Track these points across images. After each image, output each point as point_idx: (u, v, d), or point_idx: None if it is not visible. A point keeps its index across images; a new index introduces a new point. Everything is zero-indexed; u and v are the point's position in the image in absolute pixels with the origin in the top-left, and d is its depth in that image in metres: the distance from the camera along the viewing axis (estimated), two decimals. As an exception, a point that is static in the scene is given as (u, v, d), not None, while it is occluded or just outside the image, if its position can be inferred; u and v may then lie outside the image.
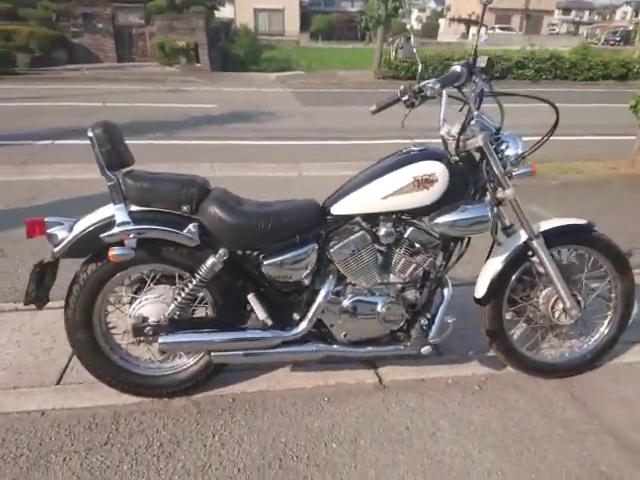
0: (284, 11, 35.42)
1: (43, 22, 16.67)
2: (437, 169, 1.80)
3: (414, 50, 1.89)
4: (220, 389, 2.07)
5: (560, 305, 2.07)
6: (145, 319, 1.86)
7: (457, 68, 1.79)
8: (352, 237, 1.85)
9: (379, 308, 1.91)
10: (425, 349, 2.00)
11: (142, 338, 1.86)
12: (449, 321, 1.96)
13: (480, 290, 2.04)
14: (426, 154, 1.84)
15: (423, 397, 2.09)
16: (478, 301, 2.06)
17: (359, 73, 16.06)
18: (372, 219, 1.90)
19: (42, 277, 1.81)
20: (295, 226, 1.83)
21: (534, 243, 1.97)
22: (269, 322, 1.88)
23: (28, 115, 8.36)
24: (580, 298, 2.10)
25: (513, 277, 2.06)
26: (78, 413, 1.93)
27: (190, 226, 1.75)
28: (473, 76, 1.81)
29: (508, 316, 2.14)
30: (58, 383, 2.08)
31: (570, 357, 2.24)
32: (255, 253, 1.85)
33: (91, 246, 1.78)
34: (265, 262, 1.83)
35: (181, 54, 16.71)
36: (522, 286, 2.14)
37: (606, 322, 2.23)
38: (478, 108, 1.83)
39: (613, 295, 2.18)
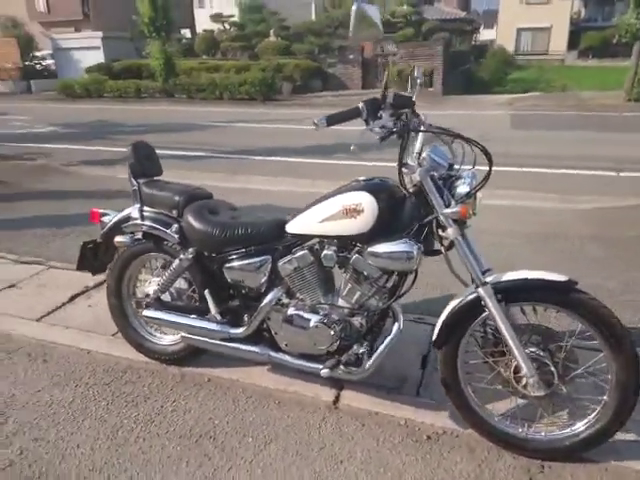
0: (551, 29, 33.00)
1: (307, 55, 19.57)
2: (364, 200, 1.81)
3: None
4: (204, 369, 2.44)
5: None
6: (147, 296, 2.37)
7: (359, 104, 1.77)
8: (296, 255, 2.00)
9: (309, 325, 2.00)
10: (358, 377, 1.99)
11: (139, 310, 2.38)
12: None
13: (434, 332, 1.91)
14: (363, 185, 1.87)
15: (362, 428, 2.06)
16: (434, 344, 1.93)
17: (608, 94, 14.07)
18: (322, 241, 2.00)
19: (95, 252, 2.49)
20: (252, 238, 2.08)
21: (481, 290, 1.77)
22: (218, 317, 2.17)
23: (267, 135, 10.10)
24: (553, 368, 1.76)
25: (471, 326, 1.87)
26: (107, 358, 2.57)
27: (173, 227, 2.19)
28: (380, 111, 1.75)
29: (467, 369, 1.93)
30: (113, 335, 2.76)
31: (546, 438, 1.86)
32: (219, 256, 2.16)
33: (117, 234, 2.37)
34: (225, 265, 2.14)
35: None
36: (493, 340, 1.90)
37: (598, 408, 1.78)
38: (403, 143, 1.78)
39: (609, 377, 1.74)
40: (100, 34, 22.68)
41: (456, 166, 1.84)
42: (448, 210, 1.74)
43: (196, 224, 2.11)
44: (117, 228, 2.35)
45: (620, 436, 1.89)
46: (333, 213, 1.87)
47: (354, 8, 1.64)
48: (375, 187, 1.86)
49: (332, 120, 1.72)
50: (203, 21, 29.55)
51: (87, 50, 22.05)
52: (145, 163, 2.34)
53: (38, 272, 3.58)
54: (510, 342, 1.76)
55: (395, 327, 1.96)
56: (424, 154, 1.81)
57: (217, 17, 24.89)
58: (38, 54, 24.17)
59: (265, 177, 6.41)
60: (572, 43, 33.34)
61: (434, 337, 1.90)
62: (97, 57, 21.98)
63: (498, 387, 1.90)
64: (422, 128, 1.81)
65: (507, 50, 27.01)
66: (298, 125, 10.96)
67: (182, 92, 16.85)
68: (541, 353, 1.79)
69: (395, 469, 1.86)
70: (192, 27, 31.67)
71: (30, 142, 9.47)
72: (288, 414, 2.15)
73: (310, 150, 8.06)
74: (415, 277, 1.93)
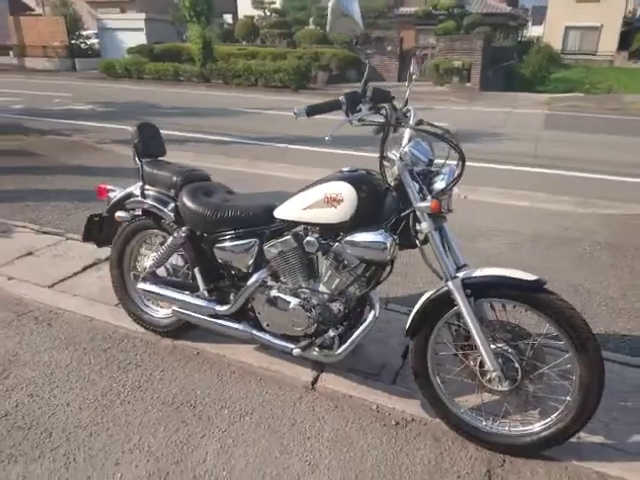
0: (601, 29, 31.74)
1: (344, 45, 19.47)
2: (344, 190, 1.87)
3: None
4: (195, 343, 2.55)
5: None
6: (144, 269, 2.50)
7: (340, 97, 1.81)
8: (280, 240, 2.08)
9: (289, 307, 2.08)
10: (330, 360, 2.07)
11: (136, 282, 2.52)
12: None
13: (407, 322, 1.96)
14: (345, 175, 1.93)
15: (334, 409, 2.14)
16: (406, 333, 1.99)
17: (654, 99, 13.54)
18: (307, 228, 2.07)
19: (101, 225, 2.62)
20: (241, 221, 2.16)
21: (450, 284, 1.81)
22: (206, 294, 2.28)
23: (294, 124, 10.17)
24: (517, 365, 1.79)
25: (442, 318, 1.91)
26: (107, 326, 2.72)
27: (170, 205, 2.30)
28: (360, 105, 1.79)
29: (438, 360, 1.98)
30: (116, 305, 2.91)
31: (508, 432, 1.90)
32: (211, 236, 2.26)
33: (121, 209, 2.50)
34: (216, 245, 2.23)
35: (454, 74, 17.14)
36: (463, 334, 1.94)
37: (561, 408, 1.81)
38: (383, 137, 1.83)
39: (573, 377, 1.76)
40: (143, 16, 23.14)
41: (441, 161, 1.88)
42: (421, 204, 1.78)
43: (190, 204, 2.22)
44: (121, 204, 2.48)
45: (585, 437, 1.92)
46: (315, 201, 1.94)
47: (330, 4, 1.68)
48: (356, 178, 1.91)
49: (312, 110, 1.78)
50: (245, 7, 29.71)
51: (130, 31, 22.51)
52: (149, 143, 2.45)
53: (56, 242, 3.78)
54: (475, 336, 1.80)
55: (370, 315, 2.02)
56: (406, 149, 1.86)
57: (258, 3, 24.99)
58: (84, 33, 24.82)
59: (287, 165, 6.50)
60: (623, 44, 32.03)
61: (406, 326, 1.95)
62: (139, 38, 22.43)
63: (466, 380, 1.94)
64: (403, 123, 1.85)
65: (553, 48, 26.15)
66: (326, 115, 10.96)
67: (218, 77, 17.07)
68: (508, 349, 1.82)
69: (359, 449, 1.94)
70: (234, 12, 31.91)
71: (68, 119, 9.82)
72: (267, 390, 2.25)
73: (335, 140, 8.08)
74: (391, 268, 1.99)
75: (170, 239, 2.32)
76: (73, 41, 23.63)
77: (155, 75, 18.17)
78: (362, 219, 1.89)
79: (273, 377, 2.33)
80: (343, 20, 1.64)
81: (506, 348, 1.82)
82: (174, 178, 2.31)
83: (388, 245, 1.84)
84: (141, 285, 2.45)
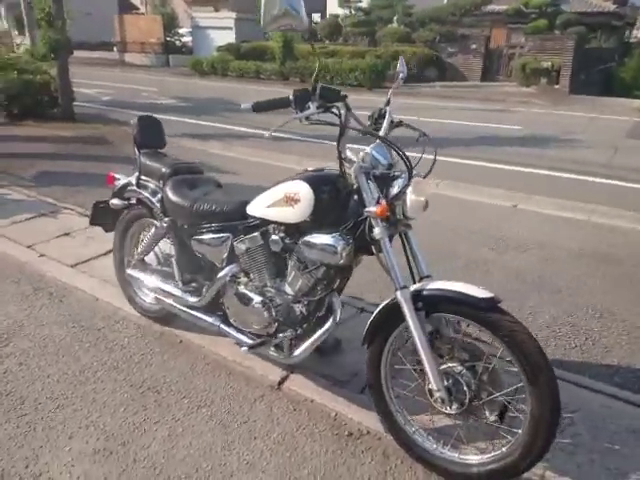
0: None
1: (427, 43, 19.02)
2: (302, 190, 1.83)
3: None
4: (181, 331, 2.61)
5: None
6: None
7: (290, 94, 1.73)
8: (247, 236, 2.08)
9: (250, 304, 2.07)
10: (285, 361, 2.03)
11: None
12: None
13: (364, 330, 1.88)
14: (306, 175, 1.88)
15: (292, 412, 2.10)
16: (362, 342, 1.91)
17: None
18: (274, 226, 2.05)
19: (107, 211, 2.76)
20: (216, 215, 2.18)
21: (398, 294, 1.70)
22: (180, 284, 2.33)
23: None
24: (465, 388, 1.66)
25: (397, 329, 1.81)
26: (108, 307, 2.86)
27: (158, 196, 2.37)
28: (309, 102, 1.71)
29: (393, 373, 1.88)
30: (124, 288, 3.05)
31: (458, 459, 1.75)
32: (190, 228, 2.30)
33: (120, 198, 2.62)
34: (193, 237, 2.27)
35: (542, 75, 16.14)
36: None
37: (512, 440, 1.64)
38: (339, 138, 1.75)
39: (525, 407, 1.60)
40: (234, 15, 24.03)
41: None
42: (369, 208, 1.70)
43: (171, 195, 2.28)
44: (121, 192, 2.60)
45: (552, 477, 1.74)
46: (277, 200, 1.91)
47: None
48: (316, 179, 1.86)
49: (259, 106, 1.75)
50: (333, 6, 29.91)
51: (220, 30, 23.49)
52: (148, 135, 2.54)
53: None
54: (421, 351, 1.68)
55: (329, 321, 1.95)
56: (367, 150, 1.78)
57: (345, 2, 25.04)
58: (179, 31, 26.28)
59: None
60: None
61: (363, 334, 1.87)
62: (229, 37, 23.34)
63: (418, 398, 1.83)
64: (350, 125, 1.78)
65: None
66: (400, 115, 10.75)
67: (296, 75, 17.35)
68: (458, 370, 1.69)
69: (301, 455, 1.89)
70: (323, 11, 32.25)
71: (149, 111, 10.42)
72: (232, 385, 2.26)
73: (403, 142, 7.94)
74: (349, 274, 1.92)
75: (153, 228, 2.40)
76: (168, 38, 25.10)
77: (238, 73, 18.83)
78: (321, 220, 1.84)
79: (243, 373, 2.34)
80: (279, 14, 1.59)
81: (457, 369, 1.69)
82: (163, 169, 2.38)
83: (339, 249, 1.77)
84: (129, 271, 2.56)
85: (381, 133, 1.91)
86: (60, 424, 2.01)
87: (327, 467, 1.84)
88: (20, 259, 3.45)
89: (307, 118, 1.71)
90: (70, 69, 8.75)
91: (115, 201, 2.54)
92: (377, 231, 1.72)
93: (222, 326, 2.23)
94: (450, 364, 1.70)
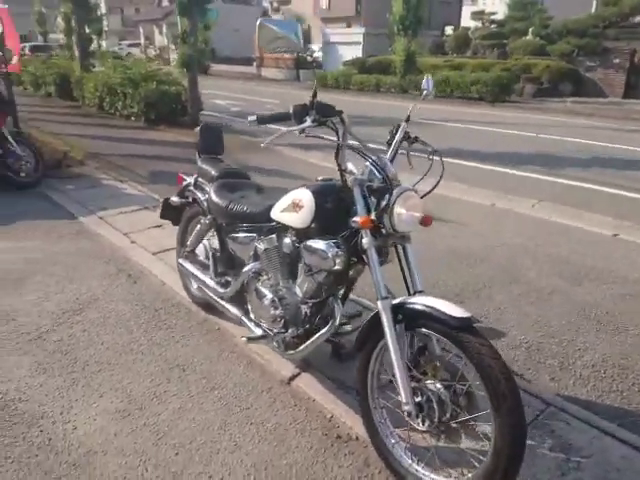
0: None
1: (563, 56, 17.74)
2: (305, 197, 1.95)
3: None
4: (221, 320, 2.85)
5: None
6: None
7: (290, 108, 1.82)
8: (266, 237, 2.24)
9: (261, 300, 2.22)
10: (285, 357, 2.15)
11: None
12: None
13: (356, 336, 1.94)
14: (311, 184, 2.00)
15: (292, 407, 2.21)
16: (354, 347, 1.96)
17: None
18: (288, 230, 2.18)
19: (173, 207, 3.11)
20: (247, 217, 2.37)
21: (378, 304, 1.73)
22: (213, 275, 2.56)
23: (471, 137, 9.85)
24: (436, 406, 1.64)
25: (383, 340, 1.83)
26: (169, 291, 3.21)
27: (206, 196, 2.65)
28: (306, 117, 1.79)
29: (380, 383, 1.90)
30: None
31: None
32: (228, 227, 2.52)
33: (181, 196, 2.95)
34: (229, 235, 2.50)
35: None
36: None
37: (479, 467, 1.57)
38: (337, 151, 1.83)
39: (491, 436, 1.53)
40: (362, 30, 24.69)
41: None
42: (354, 218, 1.76)
43: (213, 196, 2.53)
44: (183, 192, 2.93)
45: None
46: (287, 205, 2.05)
47: (257, 23, 1.75)
48: (320, 188, 1.97)
49: (263, 120, 1.89)
50: (467, 19, 29.24)
51: (349, 45, 24.29)
52: (209, 142, 2.84)
53: (181, 220, 4.52)
54: (394, 362, 1.69)
55: (327, 327, 2.04)
56: (366, 163, 1.85)
57: (478, 14, 24.38)
58: (312, 47, 27.63)
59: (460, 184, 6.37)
60: None
61: (354, 340, 1.93)
62: (357, 51, 24.03)
63: (398, 410, 1.83)
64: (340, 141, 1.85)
65: None
66: (517, 130, 10.28)
67: (415, 88, 17.26)
68: (434, 387, 1.68)
69: (286, 447, 1.99)
70: (457, 24, 31.67)
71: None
72: (248, 374, 2.43)
73: (512, 159, 7.62)
74: (350, 282, 2.01)
75: (198, 225, 2.67)
76: (300, 54, 26.49)
77: (359, 86, 19.28)
78: (323, 227, 1.93)
79: (261, 365, 2.50)
80: (278, 40, 1.71)
81: (433, 386, 1.68)
82: (213, 172, 2.65)
83: (330, 255, 1.85)
84: (180, 260, 2.88)
85: (391, 148, 1.96)
86: (97, 384, 2.34)
87: (306, 462, 1.92)
88: (116, 244, 4.00)
89: (303, 131, 1.83)
90: (211, 81, 9.70)
91: (174, 199, 2.88)
92: (365, 241, 1.78)
93: (243, 318, 2.42)
94: (428, 381, 1.70)
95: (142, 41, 41.17)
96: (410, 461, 1.80)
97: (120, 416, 2.14)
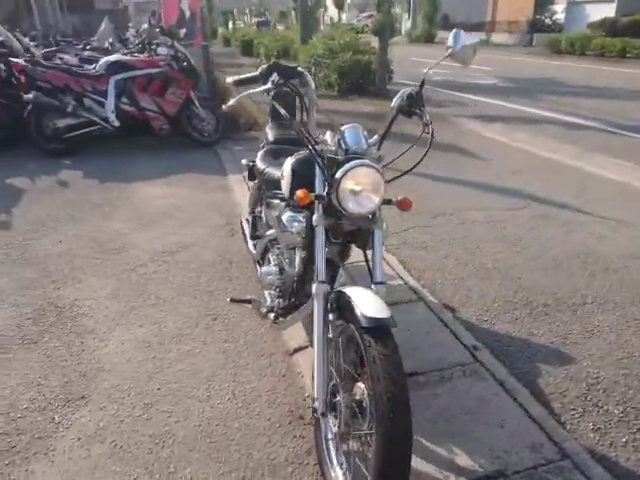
0: None
1: None
2: (286, 167, 1.88)
3: None
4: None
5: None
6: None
7: (259, 69, 1.69)
8: (275, 209, 2.23)
9: (268, 268, 2.24)
10: (275, 325, 2.15)
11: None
12: None
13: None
14: (296, 155, 1.91)
15: (279, 375, 2.21)
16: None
17: None
18: None
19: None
20: (274, 183, 2.35)
21: (313, 287, 1.60)
22: (248, 239, 2.66)
23: None
24: (341, 409, 1.47)
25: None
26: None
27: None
28: (269, 79, 1.64)
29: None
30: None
31: (335, 484, 1.55)
32: (266, 193, 2.54)
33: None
34: (265, 200, 2.54)
35: None
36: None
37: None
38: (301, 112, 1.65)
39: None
40: (620, -16, 20.68)
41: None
42: (297, 192, 1.62)
43: (258, 160, 2.58)
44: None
45: None
46: (281, 175, 2.00)
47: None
48: (300, 158, 1.87)
49: (238, 82, 1.87)
50: None
51: (598, 3, 20.72)
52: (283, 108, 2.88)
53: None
54: (315, 352, 1.56)
55: (304, 305, 1.97)
56: (341, 129, 1.68)
57: None
58: (554, 7, 24.42)
59: (621, 164, 5.31)
60: None
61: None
62: (608, 11, 20.38)
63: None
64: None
65: None
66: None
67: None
68: (344, 387, 1.50)
69: (246, 412, 2.01)
70: None
71: (462, 92, 10.52)
72: (263, 336, 2.50)
73: None
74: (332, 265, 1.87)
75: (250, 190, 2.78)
76: (537, 16, 23.76)
77: (599, 52, 16.48)
78: None
79: (277, 335, 2.51)
80: None
81: (349, 387, 1.50)
82: (269, 137, 2.70)
83: (288, 227, 1.77)
84: (242, 219, 3.04)
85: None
86: (144, 315, 2.71)
87: (254, 432, 1.92)
88: (239, 201, 4.40)
89: (268, 93, 1.75)
90: (429, 50, 9.49)
91: (244, 161, 3.02)
92: (314, 217, 1.64)
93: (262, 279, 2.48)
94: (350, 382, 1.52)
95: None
96: (335, 462, 1.65)
97: (142, 346, 2.45)
